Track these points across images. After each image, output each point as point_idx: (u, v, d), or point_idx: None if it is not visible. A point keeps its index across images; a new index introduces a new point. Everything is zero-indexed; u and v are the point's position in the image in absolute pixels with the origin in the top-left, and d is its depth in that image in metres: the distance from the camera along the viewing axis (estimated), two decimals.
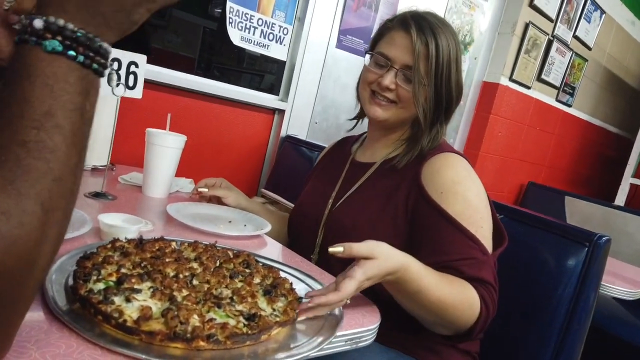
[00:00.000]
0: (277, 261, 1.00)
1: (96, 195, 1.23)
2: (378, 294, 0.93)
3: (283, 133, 2.15)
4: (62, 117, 0.46)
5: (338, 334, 0.78)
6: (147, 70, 1.70)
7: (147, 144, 1.34)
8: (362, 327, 0.85)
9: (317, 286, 0.93)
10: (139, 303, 0.67)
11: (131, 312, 0.65)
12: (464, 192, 1.04)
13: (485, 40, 3.07)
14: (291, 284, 0.86)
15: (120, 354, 0.60)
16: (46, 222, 0.44)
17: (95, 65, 0.48)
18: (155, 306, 0.68)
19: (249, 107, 2.04)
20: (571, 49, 3.58)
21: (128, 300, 0.67)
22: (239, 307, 0.72)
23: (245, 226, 1.25)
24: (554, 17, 3.28)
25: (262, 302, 0.77)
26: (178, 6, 2.09)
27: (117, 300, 0.67)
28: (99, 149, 1.48)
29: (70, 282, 0.72)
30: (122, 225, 0.95)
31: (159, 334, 0.62)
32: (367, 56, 1.18)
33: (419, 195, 1.07)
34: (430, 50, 1.08)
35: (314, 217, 1.22)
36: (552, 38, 3.35)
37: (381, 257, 0.81)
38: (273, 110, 2.14)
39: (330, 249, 0.80)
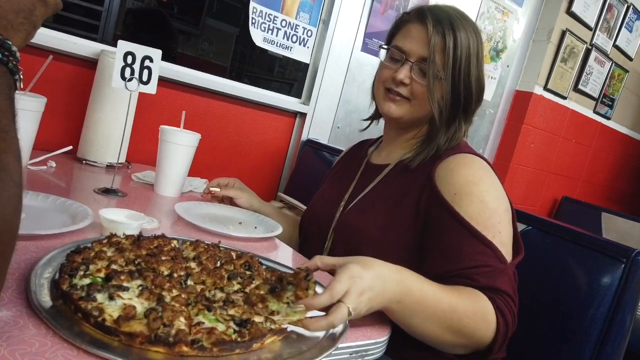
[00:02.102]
0: (283, 264, 0.94)
1: (105, 191, 1.20)
2: None
3: (304, 137, 2.10)
4: (3, 104, 0.51)
5: (341, 345, 0.71)
6: (168, 69, 1.69)
7: (160, 141, 1.31)
8: (370, 339, 0.78)
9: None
10: (123, 302, 0.63)
11: (113, 310, 0.60)
12: (479, 193, 0.96)
13: (519, 47, 2.96)
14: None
15: (95, 356, 0.55)
16: (19, 194, 0.48)
17: (10, 65, 0.55)
18: (142, 306, 0.64)
19: (270, 110, 2.00)
20: (611, 59, 3.43)
21: (111, 298, 0.63)
22: (231, 312, 0.67)
23: (256, 228, 1.20)
24: (592, 25, 3.14)
25: (273, 304, 0.71)
26: (212, 15, 2.10)
27: (100, 297, 0.62)
28: (114, 146, 1.46)
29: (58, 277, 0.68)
30: (124, 220, 0.91)
31: (139, 335, 0.57)
32: (382, 51, 1.13)
33: (431, 197, 0.99)
34: (448, 43, 1.02)
35: (324, 220, 1.16)
36: (590, 47, 3.21)
37: (355, 260, 0.75)
38: (295, 114, 2.09)
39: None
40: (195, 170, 1.57)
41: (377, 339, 0.79)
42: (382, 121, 1.23)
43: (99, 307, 0.60)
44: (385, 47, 1.13)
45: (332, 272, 0.76)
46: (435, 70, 1.03)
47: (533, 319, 1.17)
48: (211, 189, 1.31)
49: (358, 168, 1.22)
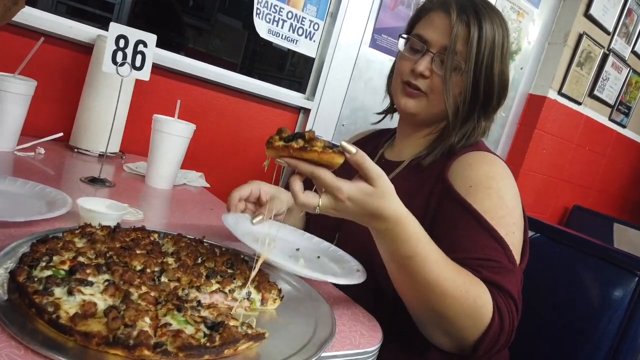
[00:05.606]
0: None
1: (92, 180, 1.15)
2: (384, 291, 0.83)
3: None
4: None
5: (325, 354, 0.65)
6: (167, 58, 1.64)
7: (152, 131, 1.26)
8: (358, 348, 0.72)
9: (311, 295, 0.80)
10: (83, 297, 0.57)
11: (70, 307, 0.55)
12: (499, 189, 0.89)
13: (534, 49, 2.87)
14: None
15: (45, 357, 0.49)
16: None
17: None
18: (105, 303, 0.58)
19: (273, 104, 1.94)
20: (629, 65, 3.33)
21: (71, 292, 0.57)
22: (204, 313, 0.61)
23: (319, 258, 0.95)
24: (611, 29, 3.05)
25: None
26: (224, 11, 2.06)
27: (58, 291, 0.57)
28: (107, 134, 1.41)
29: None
30: (102, 210, 0.86)
31: (96, 336, 0.51)
32: (402, 41, 1.05)
33: (443, 193, 0.93)
34: (472, 33, 0.95)
35: (330, 219, 1.09)
36: (607, 52, 3.12)
37: (379, 190, 0.70)
38: (298, 109, 2.03)
39: (343, 143, 0.69)
40: (191, 163, 1.52)
41: (366, 348, 0.73)
42: (396, 115, 1.16)
43: (55, 302, 0.54)
44: (404, 36, 1.05)
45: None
46: (455, 62, 0.96)
47: (539, 332, 1.10)
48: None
49: None
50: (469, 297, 0.75)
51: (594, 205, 3.57)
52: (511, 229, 0.87)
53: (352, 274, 0.84)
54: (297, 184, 0.70)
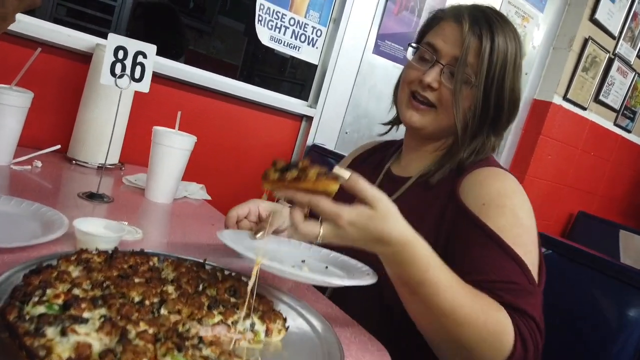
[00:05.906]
0: (278, 288, 0.84)
1: (90, 196, 1.11)
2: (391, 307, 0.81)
3: (310, 142, 2.01)
4: None
5: None
6: (167, 66, 1.61)
7: (152, 144, 1.23)
8: None
9: (318, 323, 0.76)
10: (77, 339, 0.53)
11: (63, 349, 0.51)
12: (513, 207, 0.86)
13: (539, 54, 2.84)
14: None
15: None
16: None
17: None
18: (100, 343, 0.54)
19: (275, 112, 1.91)
20: (634, 70, 3.29)
21: (64, 333, 0.53)
22: (206, 352, 0.57)
23: (327, 268, 0.89)
24: (616, 33, 3.02)
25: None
26: (224, 13, 2.03)
27: (51, 332, 0.53)
28: (107, 146, 1.38)
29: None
30: (100, 233, 0.82)
31: None
32: (410, 50, 1.02)
33: (455, 212, 0.89)
34: (484, 45, 0.92)
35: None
36: (613, 56, 3.08)
37: (380, 213, 0.67)
38: (300, 117, 2.00)
39: (336, 169, 0.68)
40: (191, 174, 1.48)
41: None
42: (402, 126, 1.12)
43: (47, 344, 0.51)
44: (414, 45, 1.02)
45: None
46: (465, 75, 0.93)
47: (551, 356, 1.07)
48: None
49: (375, 177, 1.10)
50: (488, 323, 0.72)
51: (599, 210, 3.53)
52: (529, 248, 0.84)
53: (360, 277, 0.80)
54: (297, 214, 0.69)
